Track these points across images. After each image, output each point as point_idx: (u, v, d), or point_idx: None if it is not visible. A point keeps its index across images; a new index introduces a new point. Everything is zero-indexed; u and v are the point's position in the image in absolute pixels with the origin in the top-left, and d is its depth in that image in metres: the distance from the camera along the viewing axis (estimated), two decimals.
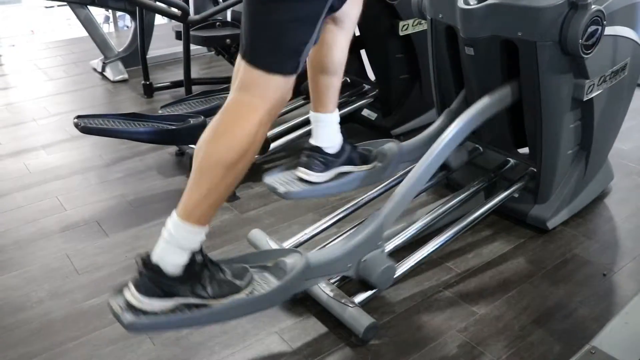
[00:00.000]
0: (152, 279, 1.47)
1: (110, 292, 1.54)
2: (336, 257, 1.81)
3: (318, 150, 1.94)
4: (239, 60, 1.53)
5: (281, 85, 1.49)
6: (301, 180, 1.94)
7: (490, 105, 2.12)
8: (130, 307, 1.47)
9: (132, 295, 1.47)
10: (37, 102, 4.03)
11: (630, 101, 2.44)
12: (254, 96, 1.48)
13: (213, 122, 1.49)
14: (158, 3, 3.21)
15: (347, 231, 2.15)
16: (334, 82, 1.92)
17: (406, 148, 2.16)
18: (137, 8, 3.72)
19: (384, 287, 1.92)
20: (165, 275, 1.47)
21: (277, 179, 1.96)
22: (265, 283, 1.64)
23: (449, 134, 2.04)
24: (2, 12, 12.47)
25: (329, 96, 1.94)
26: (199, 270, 1.52)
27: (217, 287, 1.54)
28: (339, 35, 1.85)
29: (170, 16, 3.28)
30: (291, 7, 1.44)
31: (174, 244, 1.48)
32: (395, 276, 1.94)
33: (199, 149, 1.48)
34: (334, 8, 1.67)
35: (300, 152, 1.99)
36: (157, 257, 1.48)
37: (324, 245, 2.10)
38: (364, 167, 2.04)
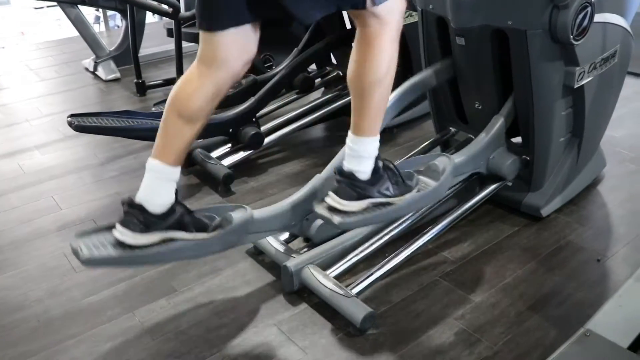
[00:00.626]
0: (350, 184, 1.74)
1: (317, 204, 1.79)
2: (473, 156, 2.18)
3: (140, 207, 1.62)
4: (354, 14, 1.68)
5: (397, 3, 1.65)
6: (118, 243, 1.62)
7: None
8: (334, 210, 1.74)
9: (334, 200, 1.74)
10: (29, 102, 4.02)
11: (621, 88, 2.46)
12: (380, 24, 1.63)
13: (356, 54, 1.68)
14: (149, 0, 3.21)
15: None
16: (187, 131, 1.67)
17: (259, 217, 1.90)
18: (128, 6, 3.71)
19: (511, 177, 2.27)
20: (359, 180, 1.74)
21: (87, 241, 1.65)
22: (424, 184, 1.91)
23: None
24: None
25: (176, 150, 1.67)
26: (382, 174, 1.77)
27: (397, 187, 1.80)
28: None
29: (162, 13, 3.28)
30: None
31: (360, 156, 1.74)
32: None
33: (354, 78, 1.70)
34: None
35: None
36: (349, 168, 1.75)
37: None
38: (198, 236, 1.70)
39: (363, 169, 1.74)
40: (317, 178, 2.05)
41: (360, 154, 1.74)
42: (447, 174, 1.93)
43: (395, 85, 3.04)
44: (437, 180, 1.91)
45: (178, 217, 1.66)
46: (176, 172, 1.67)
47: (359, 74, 1.68)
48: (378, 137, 1.76)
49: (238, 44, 1.60)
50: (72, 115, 2.61)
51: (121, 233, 1.62)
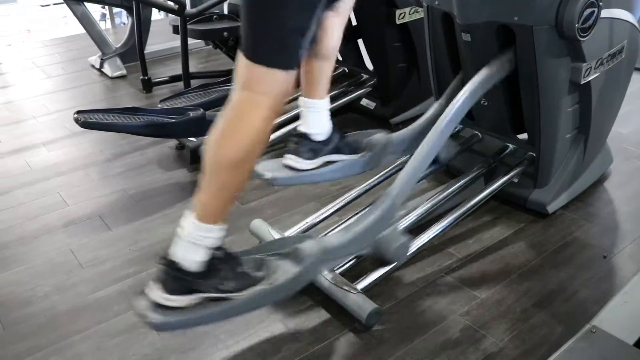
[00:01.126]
0: (175, 276, 1.52)
1: (133, 297, 1.60)
2: (352, 238, 1.85)
3: (307, 137, 1.94)
4: (239, 57, 1.52)
5: (282, 79, 1.49)
6: (289, 167, 1.95)
7: (489, 76, 2.12)
8: (157, 306, 1.53)
9: (157, 294, 1.53)
10: (36, 99, 4.03)
11: (628, 84, 2.46)
12: (256, 93, 1.48)
13: (219, 122, 1.51)
14: None
15: (349, 218, 2.17)
16: (327, 67, 1.93)
17: (396, 138, 2.18)
18: (134, 3, 3.72)
19: (400, 262, 1.98)
20: (187, 272, 1.52)
21: (265, 166, 1.97)
22: (283, 272, 1.67)
23: (457, 103, 2.06)
24: None
25: (321, 82, 1.94)
26: (219, 265, 1.56)
27: (238, 281, 1.59)
28: (334, 20, 1.84)
29: (167, 10, 3.29)
30: None
31: (192, 242, 1.52)
32: (409, 253, 2.00)
33: (208, 150, 1.52)
34: None
35: (289, 138, 2.00)
36: (177, 256, 1.53)
37: (327, 234, 2.12)
38: (352, 157, 2.03)
39: (193, 258, 1.52)
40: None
41: (196, 241, 1.52)
42: (310, 261, 1.70)
43: (400, 82, 3.08)
44: (298, 266, 1.70)
45: (336, 144, 1.99)
46: (326, 102, 1.97)
47: (219, 147, 1.50)
48: (223, 226, 1.55)
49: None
50: (78, 112, 2.62)
51: (292, 160, 1.94)
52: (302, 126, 1.97)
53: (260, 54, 1.47)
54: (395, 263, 1.96)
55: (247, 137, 1.48)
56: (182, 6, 3.06)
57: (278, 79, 1.48)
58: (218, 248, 1.56)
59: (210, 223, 1.52)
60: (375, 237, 1.90)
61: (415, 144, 2.08)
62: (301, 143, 1.94)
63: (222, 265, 1.57)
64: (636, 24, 2.25)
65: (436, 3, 2.24)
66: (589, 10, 1.94)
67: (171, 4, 3.16)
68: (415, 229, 2.14)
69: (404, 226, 2.06)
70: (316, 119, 1.96)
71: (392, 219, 1.93)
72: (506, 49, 2.13)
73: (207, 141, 1.52)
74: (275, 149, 2.10)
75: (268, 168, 1.95)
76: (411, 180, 1.97)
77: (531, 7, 1.96)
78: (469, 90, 2.07)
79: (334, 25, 1.85)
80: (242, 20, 1.50)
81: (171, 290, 1.53)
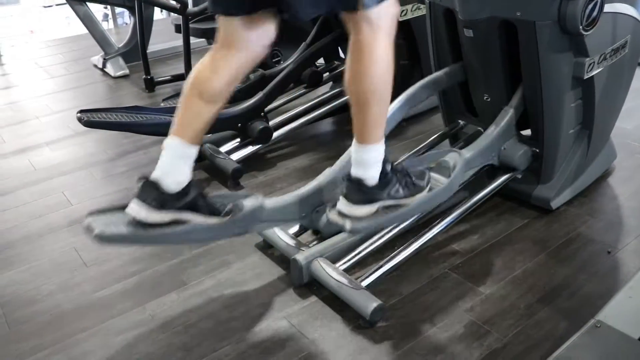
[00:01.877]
0: (359, 189, 1.72)
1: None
2: (484, 149, 2.19)
3: (155, 185, 1.62)
4: (347, 17, 1.62)
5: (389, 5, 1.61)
6: (133, 221, 1.63)
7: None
8: (342, 215, 1.73)
9: (345, 206, 1.73)
10: (39, 100, 4.05)
11: (632, 79, 2.45)
12: (374, 31, 1.60)
13: (352, 63, 1.63)
14: None
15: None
16: (208, 111, 1.69)
17: (270, 206, 1.90)
18: (136, 2, 3.73)
19: (523, 167, 2.28)
20: (367, 186, 1.72)
21: (101, 219, 1.66)
22: (436, 182, 1.91)
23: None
24: (1, 12, 12.49)
25: (196, 126, 1.69)
26: (391, 177, 1.76)
27: (407, 189, 1.80)
28: (227, 59, 1.68)
29: (170, 9, 3.30)
30: None
31: (366, 161, 1.71)
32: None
33: (352, 86, 1.65)
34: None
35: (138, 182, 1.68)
36: (356, 175, 1.72)
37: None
38: (210, 219, 1.71)
39: (370, 175, 1.72)
40: (328, 171, 2.05)
41: (365, 161, 1.72)
42: (457, 170, 1.93)
43: (403, 79, 3.07)
44: (447, 177, 1.91)
45: (192, 199, 1.66)
46: (193, 150, 1.68)
47: (355, 84, 1.64)
48: (382, 142, 1.73)
49: (257, 26, 1.63)
50: (81, 111, 2.62)
51: (135, 209, 1.61)
52: (156, 171, 1.65)
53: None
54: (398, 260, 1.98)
55: (382, 65, 1.62)
56: (184, 5, 3.06)
57: (386, 11, 1.61)
58: (388, 162, 1.75)
59: (377, 142, 1.70)
60: (499, 148, 2.19)
61: (294, 210, 1.97)
62: (150, 192, 1.61)
63: (393, 177, 1.76)
64: (639, 19, 2.24)
65: None
66: (591, 5, 1.93)
67: (173, 3, 3.16)
68: (420, 225, 2.15)
69: (401, 227, 2.11)
70: (176, 165, 1.64)
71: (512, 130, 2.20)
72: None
73: (347, 79, 1.66)
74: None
75: (105, 222, 1.64)
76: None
77: (533, 2, 1.96)
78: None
79: (225, 66, 1.66)
80: None
81: (356, 201, 1.72)
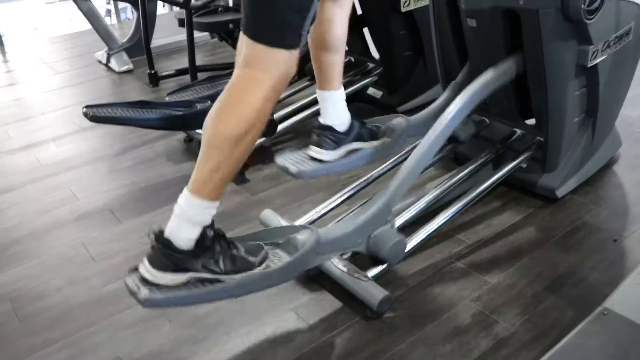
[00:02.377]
0: (165, 253, 1.49)
1: (126, 275, 1.56)
2: (346, 233, 1.82)
3: (328, 128, 1.98)
4: (241, 36, 1.52)
5: (285, 59, 1.48)
6: (313, 159, 1.98)
7: (495, 78, 2.12)
8: (145, 282, 1.50)
9: (146, 269, 1.50)
10: (44, 96, 4.06)
11: (636, 66, 2.43)
12: (258, 70, 1.48)
13: (220, 98, 1.51)
14: None
15: (357, 208, 2.16)
16: (337, 58, 1.95)
17: (414, 122, 2.18)
18: None
19: (394, 261, 1.93)
20: (178, 250, 1.49)
21: (289, 159, 1.99)
22: (277, 259, 1.65)
23: (454, 108, 2.04)
24: (4, 9, 12.49)
25: (333, 73, 1.97)
26: (211, 244, 1.53)
27: (230, 263, 1.56)
28: (338, 11, 1.86)
29: (173, 3, 3.28)
30: None
31: (185, 218, 1.49)
32: (405, 251, 1.95)
33: (207, 125, 1.49)
34: None
35: (311, 131, 2.02)
36: (169, 232, 1.50)
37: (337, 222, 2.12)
38: (374, 143, 2.06)
39: (184, 235, 1.49)
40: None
41: (188, 216, 1.49)
42: (305, 250, 1.67)
43: (407, 69, 3.06)
44: (290, 256, 1.66)
45: (357, 131, 2.03)
46: (342, 93, 2.01)
47: (217, 122, 1.48)
48: (217, 204, 1.52)
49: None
50: (87, 107, 2.62)
51: (316, 151, 1.97)
52: (322, 118, 2.01)
53: (262, 34, 1.47)
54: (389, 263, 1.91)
55: (248, 114, 1.46)
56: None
57: (279, 59, 1.48)
58: (210, 227, 1.53)
59: (205, 199, 1.49)
60: (369, 233, 1.86)
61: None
62: (323, 134, 1.97)
63: (215, 246, 1.54)
64: None
65: None
66: None
67: None
68: (425, 216, 2.14)
69: (406, 219, 2.07)
70: (334, 110, 2.00)
71: (388, 215, 1.90)
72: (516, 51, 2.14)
73: (207, 116, 1.50)
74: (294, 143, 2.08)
75: (292, 161, 1.98)
76: (411, 175, 1.95)
77: None
78: (472, 90, 2.08)
79: (338, 16, 1.88)
80: (243, 0, 1.50)
81: (160, 267, 1.49)
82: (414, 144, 2.19)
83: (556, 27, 1.98)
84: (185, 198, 1.50)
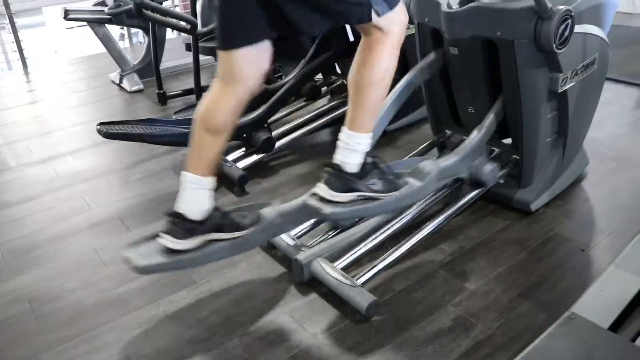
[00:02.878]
0: (339, 176, 1.70)
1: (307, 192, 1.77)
2: (457, 161, 2.11)
3: (182, 216, 1.70)
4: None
5: (393, 18, 1.62)
6: (165, 249, 1.72)
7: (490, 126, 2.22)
8: (324, 200, 1.70)
9: (325, 191, 1.70)
10: (62, 113, 4.06)
11: (601, 92, 2.45)
12: (386, 32, 1.63)
13: (356, 58, 1.67)
14: (169, 18, 3.22)
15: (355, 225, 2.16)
16: (217, 143, 1.72)
17: (285, 210, 1.91)
18: (150, 24, 3.73)
19: (491, 183, 2.22)
20: (348, 173, 1.70)
21: (137, 251, 1.73)
22: (414, 182, 1.86)
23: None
24: (29, 34, 12.55)
25: (208, 158, 1.73)
26: (370, 169, 1.73)
27: (385, 184, 1.76)
28: (228, 95, 1.69)
29: (181, 30, 3.29)
30: None
31: (350, 149, 1.69)
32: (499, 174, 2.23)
33: (352, 77, 1.67)
34: None
35: (166, 218, 1.76)
36: (339, 160, 1.71)
37: (326, 238, 2.13)
38: (235, 234, 1.78)
39: (351, 161, 1.70)
40: None
41: (352, 147, 1.70)
42: (431, 176, 1.90)
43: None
44: (422, 181, 1.88)
45: (216, 221, 1.74)
46: (211, 181, 1.73)
47: (359, 74, 1.66)
48: (370, 135, 1.73)
49: (252, 61, 1.64)
50: (101, 124, 2.63)
51: (167, 240, 1.71)
52: (179, 204, 1.72)
53: (367, 14, 1.59)
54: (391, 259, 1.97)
55: (382, 64, 1.64)
56: (194, 26, 3.06)
57: (389, 20, 1.61)
58: (369, 155, 1.73)
59: (362, 132, 1.69)
60: (473, 161, 2.14)
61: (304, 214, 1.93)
62: (177, 222, 1.71)
63: (373, 170, 1.74)
64: (606, 39, 2.25)
65: (426, 20, 2.25)
66: (563, 26, 1.94)
67: (184, 24, 3.16)
68: (410, 227, 2.15)
69: (393, 229, 2.11)
70: (195, 197, 1.71)
71: (483, 148, 2.16)
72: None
73: (350, 72, 1.68)
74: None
75: (140, 253, 1.72)
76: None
77: (512, 23, 1.97)
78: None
79: (227, 100, 1.68)
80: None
81: (335, 188, 1.69)
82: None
83: (530, 56, 2.00)
84: (347, 135, 1.70)
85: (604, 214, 2.36)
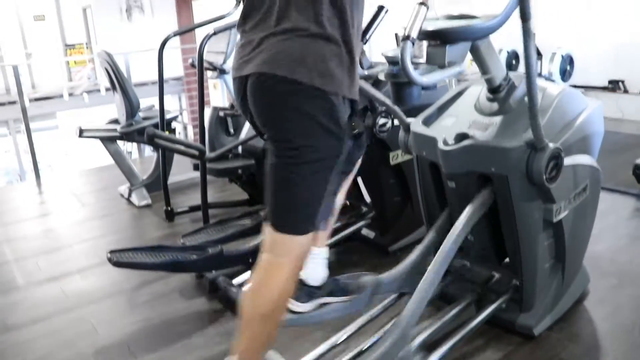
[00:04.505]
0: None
1: None
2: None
3: (303, 282, 1.94)
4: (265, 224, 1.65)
5: (301, 243, 1.60)
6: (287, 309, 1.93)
7: (473, 213, 2.20)
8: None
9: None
10: (72, 228, 4.13)
11: (595, 214, 2.50)
12: (279, 256, 1.61)
13: (253, 277, 1.68)
14: (177, 145, 3.37)
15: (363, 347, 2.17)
16: (330, 222, 1.93)
17: (385, 280, 2.20)
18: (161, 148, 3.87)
19: None
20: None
21: None
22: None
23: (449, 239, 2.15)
24: (42, 137, 12.97)
25: (324, 232, 1.94)
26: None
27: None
28: (345, 182, 1.94)
29: (190, 155, 3.42)
30: (305, 178, 1.55)
31: None
32: None
33: (244, 303, 1.66)
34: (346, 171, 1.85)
35: None
36: None
37: None
38: (344, 298, 2.05)
39: None
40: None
41: None
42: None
43: (395, 214, 3.15)
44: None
45: (330, 287, 2.00)
46: (325, 251, 1.99)
47: (249, 298, 1.67)
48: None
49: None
50: (111, 252, 2.68)
51: (291, 303, 1.93)
52: (301, 272, 1.90)
53: (282, 226, 1.59)
54: None
55: (273, 294, 1.62)
56: (202, 152, 3.19)
57: (296, 244, 1.60)
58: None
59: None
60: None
61: (405, 283, 2.21)
62: (299, 288, 1.91)
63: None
64: (595, 164, 2.33)
65: (424, 153, 2.35)
66: (553, 162, 2.03)
67: (193, 151, 3.30)
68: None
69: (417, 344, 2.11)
70: (315, 266, 1.95)
71: (406, 341, 2.02)
72: (484, 188, 2.22)
73: (243, 293, 1.68)
74: None
75: None
76: (420, 305, 2.05)
77: (505, 159, 2.06)
78: (459, 227, 2.15)
79: (344, 187, 1.95)
80: (266, 192, 1.61)
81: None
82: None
83: (524, 190, 2.08)
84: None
85: (607, 335, 2.35)
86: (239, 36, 1.68)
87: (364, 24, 1.85)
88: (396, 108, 2.38)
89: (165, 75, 3.76)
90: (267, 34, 1.54)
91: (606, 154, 2.41)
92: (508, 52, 6.30)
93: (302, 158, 1.53)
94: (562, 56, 5.89)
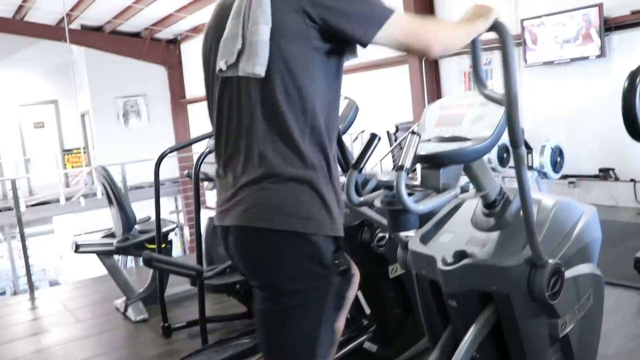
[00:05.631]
0: None
1: None
2: None
3: None
4: None
5: None
6: None
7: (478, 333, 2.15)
8: None
9: None
10: (65, 347, 4.01)
11: (602, 318, 2.44)
12: None
13: None
14: (175, 267, 3.35)
15: None
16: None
17: None
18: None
19: None
20: None
21: None
22: None
23: None
24: (38, 241, 12.98)
25: None
26: None
27: None
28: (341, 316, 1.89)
29: (187, 276, 3.40)
30: (297, 323, 1.55)
31: None
32: None
33: None
34: None
35: None
36: None
37: None
38: None
39: None
40: None
41: None
42: None
43: (397, 326, 3.08)
44: None
45: None
46: None
47: None
48: None
49: None
50: None
51: None
52: None
53: None
54: None
55: None
56: (200, 272, 3.18)
57: None
58: None
59: None
60: None
61: None
62: None
63: None
64: (596, 271, 2.31)
65: (423, 272, 2.33)
66: (555, 278, 2.02)
67: (190, 272, 3.28)
68: None
69: None
70: None
71: None
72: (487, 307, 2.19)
73: None
74: None
75: None
76: None
77: (506, 278, 2.04)
78: (464, 349, 2.10)
79: None
80: (260, 341, 1.61)
81: None
82: None
83: (527, 307, 2.05)
84: None
85: None
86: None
87: (357, 154, 1.90)
88: None
89: (162, 177, 3.82)
90: (241, 183, 1.55)
91: (604, 245, 2.37)
92: (499, 147, 6.41)
93: (291, 303, 1.53)
94: (552, 148, 6.00)
